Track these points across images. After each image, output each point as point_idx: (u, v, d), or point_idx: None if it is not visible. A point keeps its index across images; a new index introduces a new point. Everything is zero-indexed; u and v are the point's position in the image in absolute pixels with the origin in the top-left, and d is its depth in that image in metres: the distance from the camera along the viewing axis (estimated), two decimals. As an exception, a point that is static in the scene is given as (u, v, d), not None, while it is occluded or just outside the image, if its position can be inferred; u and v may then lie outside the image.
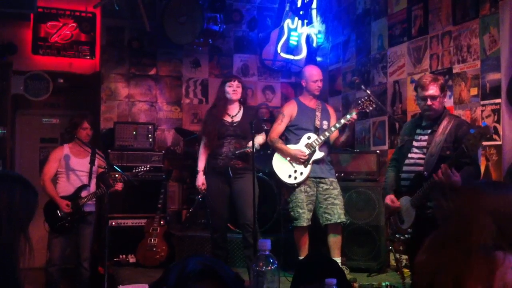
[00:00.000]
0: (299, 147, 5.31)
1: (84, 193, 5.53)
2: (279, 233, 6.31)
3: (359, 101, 5.22)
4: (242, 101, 5.31)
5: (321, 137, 5.27)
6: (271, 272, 2.01)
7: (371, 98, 5.14)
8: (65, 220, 5.42)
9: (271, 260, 2.02)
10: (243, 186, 5.03)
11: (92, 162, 5.54)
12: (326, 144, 5.39)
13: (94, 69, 7.79)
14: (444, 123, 4.01)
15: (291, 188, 5.33)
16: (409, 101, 5.87)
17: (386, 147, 6.20)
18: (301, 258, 5.19)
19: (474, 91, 5.02)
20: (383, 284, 4.88)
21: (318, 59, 7.77)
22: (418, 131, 4.19)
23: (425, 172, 3.92)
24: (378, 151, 5.99)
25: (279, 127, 5.47)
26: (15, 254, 2.25)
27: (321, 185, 5.31)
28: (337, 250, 5.31)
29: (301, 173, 5.28)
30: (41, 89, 7.45)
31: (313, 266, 2.59)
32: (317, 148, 5.29)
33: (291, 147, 5.36)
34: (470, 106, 5.05)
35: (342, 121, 5.16)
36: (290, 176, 5.32)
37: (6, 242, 2.23)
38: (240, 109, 5.28)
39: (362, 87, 5.46)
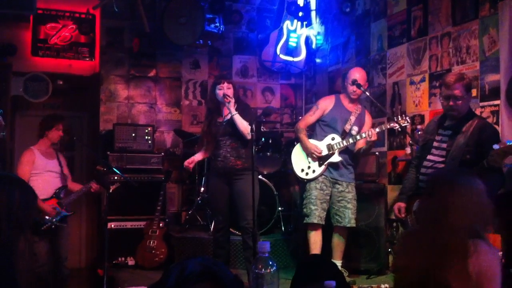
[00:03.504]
0: (319, 144, 5.28)
1: (62, 194, 5.54)
2: (278, 234, 6.32)
3: (395, 118, 5.05)
4: (235, 101, 5.14)
5: (344, 142, 5.20)
6: (271, 274, 2.01)
7: (407, 118, 4.94)
8: (50, 223, 5.40)
9: (271, 262, 2.02)
10: (243, 187, 5.02)
11: (60, 164, 5.58)
12: (348, 149, 5.30)
13: (93, 70, 7.79)
14: (468, 125, 3.86)
15: (305, 184, 5.32)
16: (408, 102, 5.87)
17: (385, 148, 6.19)
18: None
19: (473, 92, 5.00)
20: (382, 286, 4.87)
21: (318, 60, 7.77)
22: (440, 131, 4.05)
23: None
24: (377, 153, 5.98)
25: (310, 118, 5.44)
26: (14, 255, 2.24)
27: (337, 186, 5.28)
28: (339, 253, 5.30)
29: (314, 171, 5.27)
30: (41, 90, 7.45)
31: (312, 268, 2.58)
32: (336, 152, 5.23)
33: (311, 141, 5.33)
34: (469, 108, 5.04)
35: (364, 134, 5.09)
36: (302, 170, 5.33)
37: (5, 243, 2.23)
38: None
39: (362, 88, 5.44)
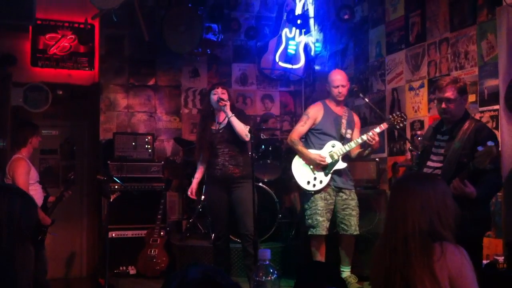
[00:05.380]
0: (320, 153, 5.18)
1: (48, 203, 5.50)
2: (279, 242, 6.31)
3: (390, 116, 5.01)
4: (230, 108, 5.09)
5: (346, 147, 5.12)
6: (271, 282, 2.01)
7: (403, 114, 4.93)
8: (44, 233, 5.36)
9: (271, 270, 2.02)
10: (242, 195, 5.01)
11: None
12: (346, 155, 5.24)
13: (93, 80, 7.80)
14: (464, 128, 3.83)
15: (309, 195, 5.19)
16: (407, 108, 5.88)
17: (385, 154, 6.20)
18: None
19: (472, 97, 5.01)
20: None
21: (317, 67, 7.79)
22: (438, 136, 4.03)
23: None
24: (377, 159, 5.98)
25: (302, 128, 5.32)
26: (15, 264, 2.25)
27: (341, 194, 5.20)
28: (347, 259, 5.26)
29: (321, 181, 5.14)
30: (41, 100, 7.45)
31: (313, 275, 2.58)
32: (340, 158, 5.16)
33: (312, 152, 5.22)
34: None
35: (364, 137, 5.00)
36: (309, 182, 5.18)
37: (6, 252, 2.23)
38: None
39: (360, 95, 5.44)
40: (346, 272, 5.21)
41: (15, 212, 2.28)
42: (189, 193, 5.35)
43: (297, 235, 6.29)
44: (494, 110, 4.80)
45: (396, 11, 6.13)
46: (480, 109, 4.95)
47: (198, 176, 5.35)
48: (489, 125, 4.77)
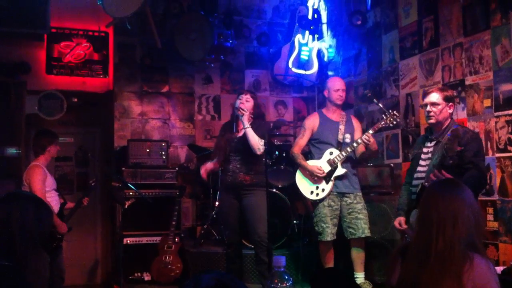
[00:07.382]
0: (320, 163, 5.29)
1: (65, 210, 5.50)
2: (293, 248, 6.29)
3: (383, 115, 5.09)
4: (254, 115, 5.15)
5: (343, 153, 5.22)
6: (286, 288, 2.00)
7: (394, 112, 5.02)
8: (60, 240, 5.37)
9: (286, 277, 2.02)
10: (252, 201, 5.02)
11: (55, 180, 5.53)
12: (350, 158, 5.34)
13: (107, 87, 7.84)
14: (449, 133, 3.96)
15: (315, 203, 5.35)
16: (421, 113, 5.85)
17: (400, 160, 6.17)
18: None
19: (487, 102, 4.99)
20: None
21: (330, 73, 7.78)
22: (426, 143, 4.21)
23: (426, 183, 3.87)
24: (391, 164, 5.96)
25: (301, 141, 5.48)
26: (28, 271, 2.26)
27: (345, 199, 5.30)
28: (360, 265, 5.28)
29: (323, 190, 5.28)
30: (55, 108, 7.49)
31: (328, 282, 2.57)
32: (339, 164, 5.25)
33: (310, 163, 5.35)
34: (483, 118, 5.02)
35: (359, 140, 5.11)
36: (312, 192, 5.34)
37: (19, 259, 2.24)
38: (249, 123, 5.06)
39: (374, 100, 5.45)
40: (360, 278, 5.21)
41: (28, 219, 2.29)
42: (202, 171, 5.30)
43: (311, 242, 6.26)
44: (510, 115, 4.76)
45: (409, 16, 6.11)
46: (495, 114, 4.91)
47: (210, 164, 5.32)
48: (505, 129, 4.75)
